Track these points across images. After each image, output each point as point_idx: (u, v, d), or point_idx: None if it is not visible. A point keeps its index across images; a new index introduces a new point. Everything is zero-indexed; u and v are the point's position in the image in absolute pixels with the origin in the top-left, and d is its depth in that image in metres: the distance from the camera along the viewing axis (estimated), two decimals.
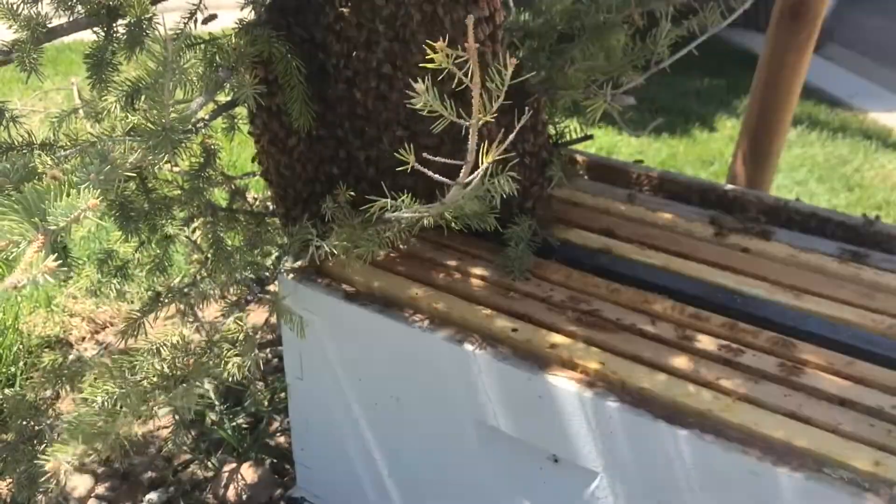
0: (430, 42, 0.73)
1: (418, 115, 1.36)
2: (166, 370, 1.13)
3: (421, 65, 0.76)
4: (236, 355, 1.16)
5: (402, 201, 1.00)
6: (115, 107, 1.32)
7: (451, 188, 0.90)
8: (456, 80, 0.82)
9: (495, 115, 0.77)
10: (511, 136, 0.80)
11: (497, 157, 0.81)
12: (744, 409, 1.08)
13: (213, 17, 1.37)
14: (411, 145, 0.84)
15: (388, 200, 1.01)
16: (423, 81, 0.77)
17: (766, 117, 2.40)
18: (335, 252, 1.26)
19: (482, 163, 0.83)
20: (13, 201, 0.66)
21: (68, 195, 0.67)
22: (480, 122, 0.79)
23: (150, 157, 1.08)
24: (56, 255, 0.62)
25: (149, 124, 1.07)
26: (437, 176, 0.85)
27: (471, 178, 0.87)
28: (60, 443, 1.01)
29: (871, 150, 4.07)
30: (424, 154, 0.88)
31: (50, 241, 0.63)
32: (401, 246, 1.44)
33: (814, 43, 2.30)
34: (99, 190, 0.68)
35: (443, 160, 0.88)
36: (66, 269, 0.79)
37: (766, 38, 2.34)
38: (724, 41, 5.19)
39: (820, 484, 0.98)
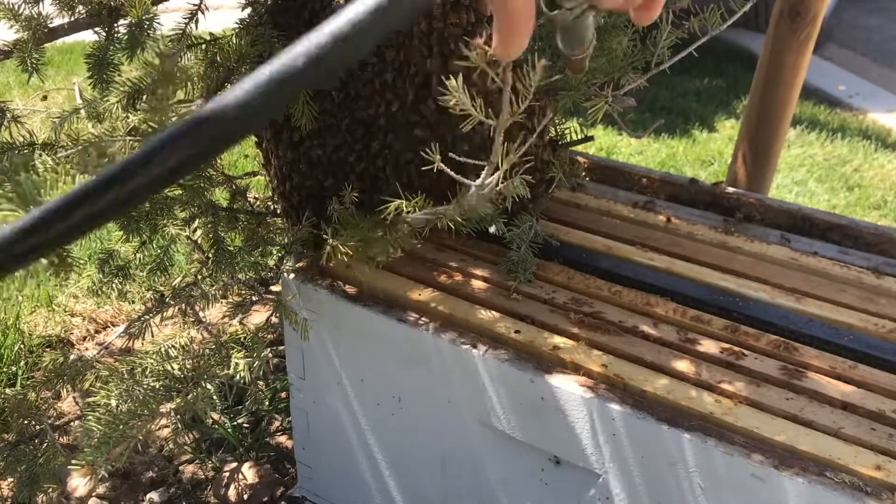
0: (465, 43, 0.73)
1: (418, 115, 1.36)
2: (176, 372, 1.13)
3: (456, 62, 0.76)
4: (245, 356, 1.16)
5: (416, 203, 1.00)
6: (117, 107, 1.32)
7: (468, 190, 0.90)
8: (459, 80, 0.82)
9: (523, 115, 0.77)
10: (532, 139, 0.80)
11: (513, 160, 0.81)
12: (746, 413, 1.08)
13: None
14: (434, 145, 0.84)
15: (402, 202, 1.01)
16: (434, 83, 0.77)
17: (766, 117, 2.41)
18: (349, 253, 1.25)
19: (500, 165, 0.83)
20: (7, 191, 0.65)
21: (65, 184, 0.66)
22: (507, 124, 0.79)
23: None
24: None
25: (151, 124, 1.07)
26: (458, 176, 0.86)
27: (490, 179, 0.87)
28: (80, 451, 1.01)
29: (871, 150, 4.08)
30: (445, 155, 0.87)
31: None
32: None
33: (813, 43, 2.31)
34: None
35: (463, 160, 0.88)
36: (66, 268, 0.79)
37: (766, 38, 2.35)
38: (724, 41, 5.19)
39: (822, 488, 0.98)
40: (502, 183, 0.89)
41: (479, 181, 0.87)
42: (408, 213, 1.05)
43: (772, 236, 1.54)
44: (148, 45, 1.20)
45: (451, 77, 0.76)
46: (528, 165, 0.93)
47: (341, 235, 1.28)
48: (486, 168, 0.85)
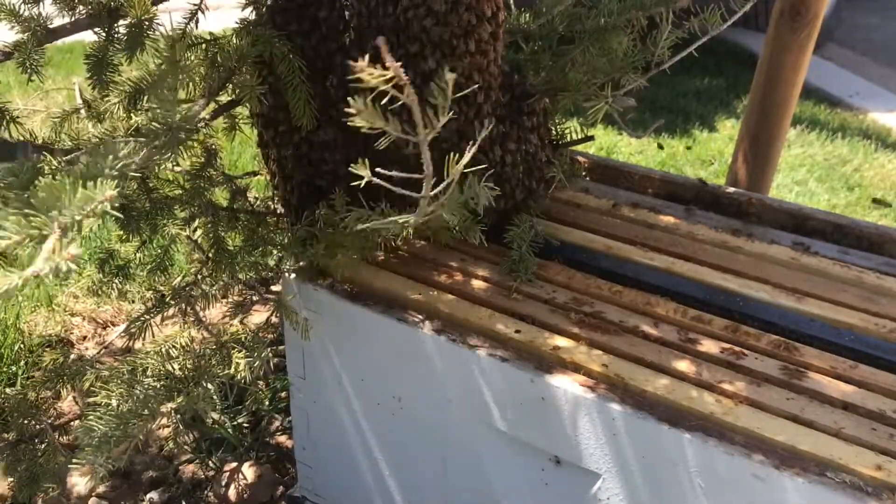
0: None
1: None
2: (176, 372, 1.13)
3: (351, 84, 0.73)
4: (245, 356, 1.16)
5: (377, 212, 0.99)
6: (118, 107, 1.32)
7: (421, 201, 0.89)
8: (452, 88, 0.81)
9: (504, 118, 0.77)
10: (473, 149, 0.79)
11: (472, 168, 0.81)
12: (746, 413, 1.08)
13: None
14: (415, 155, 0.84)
15: (365, 210, 1.00)
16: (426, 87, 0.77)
17: (766, 117, 2.40)
18: (323, 255, 1.26)
19: (445, 175, 0.82)
20: (28, 198, 0.66)
21: (84, 188, 0.67)
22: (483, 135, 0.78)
23: (157, 157, 1.08)
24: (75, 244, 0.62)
25: (154, 124, 1.07)
26: (397, 188, 0.85)
27: (434, 191, 0.86)
28: (81, 451, 1.01)
29: (871, 149, 4.08)
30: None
31: (67, 233, 0.63)
32: (403, 247, 1.45)
33: (813, 43, 2.31)
34: (115, 182, 0.68)
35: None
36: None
37: (766, 38, 2.35)
38: (724, 41, 5.18)
39: (822, 488, 0.98)
40: (468, 189, 0.89)
41: (422, 193, 0.86)
42: (367, 220, 1.03)
43: (773, 236, 1.54)
44: (151, 41, 1.20)
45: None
46: (489, 173, 0.92)
47: (322, 238, 1.28)
48: (424, 181, 0.84)
